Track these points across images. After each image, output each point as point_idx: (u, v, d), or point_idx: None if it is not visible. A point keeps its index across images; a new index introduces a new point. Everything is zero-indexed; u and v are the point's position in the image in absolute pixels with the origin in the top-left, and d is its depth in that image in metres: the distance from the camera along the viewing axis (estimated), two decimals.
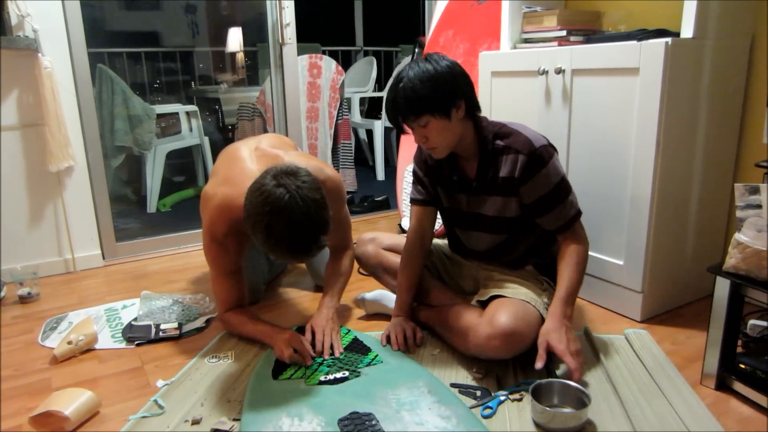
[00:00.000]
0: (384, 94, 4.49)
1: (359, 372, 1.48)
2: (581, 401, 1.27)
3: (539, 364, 1.35)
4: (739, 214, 1.32)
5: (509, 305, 1.45)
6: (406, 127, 1.48)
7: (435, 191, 1.66)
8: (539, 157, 1.44)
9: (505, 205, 1.53)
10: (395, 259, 1.79)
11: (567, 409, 1.29)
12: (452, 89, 1.41)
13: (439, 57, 1.44)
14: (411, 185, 1.72)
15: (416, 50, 3.62)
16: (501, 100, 2.15)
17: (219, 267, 1.67)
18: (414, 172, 1.69)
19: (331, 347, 1.58)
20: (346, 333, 1.70)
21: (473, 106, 1.49)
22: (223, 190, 1.59)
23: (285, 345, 1.54)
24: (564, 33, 1.95)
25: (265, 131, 3.44)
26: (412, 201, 1.71)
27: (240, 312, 1.72)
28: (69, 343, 1.65)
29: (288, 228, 1.30)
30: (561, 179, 1.47)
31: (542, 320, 1.47)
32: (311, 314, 1.71)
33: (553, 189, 1.46)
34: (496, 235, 1.59)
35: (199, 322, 1.85)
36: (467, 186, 1.57)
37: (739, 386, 1.37)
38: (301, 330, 1.68)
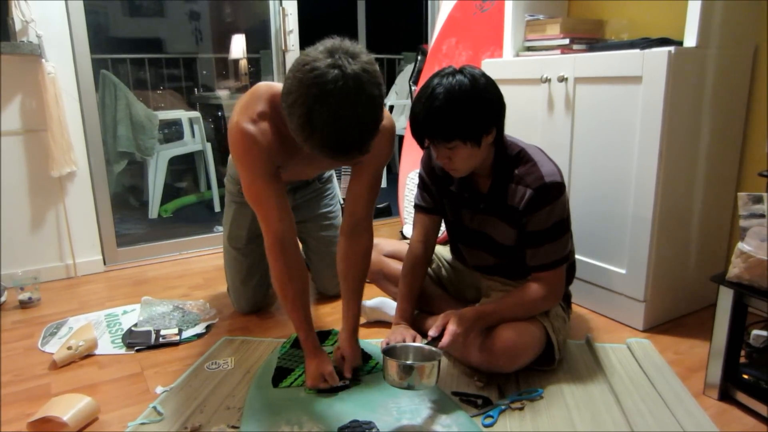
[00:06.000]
0: (387, 101, 4.49)
1: (360, 380, 1.48)
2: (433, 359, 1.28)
3: (433, 332, 1.35)
4: (742, 223, 1.31)
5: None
6: (426, 142, 1.39)
7: (441, 201, 1.62)
8: (547, 194, 1.39)
9: (505, 232, 1.50)
10: (396, 266, 1.77)
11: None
12: (488, 117, 1.35)
13: (479, 74, 1.34)
14: (416, 189, 1.66)
15: (419, 58, 3.63)
16: None
17: (253, 168, 1.34)
18: (421, 177, 1.64)
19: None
20: None
21: (502, 131, 1.44)
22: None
23: (317, 378, 1.42)
24: (567, 41, 1.95)
25: None
26: (417, 208, 1.66)
27: (295, 278, 1.42)
28: (69, 348, 1.65)
29: (331, 121, 1.11)
30: (561, 220, 1.43)
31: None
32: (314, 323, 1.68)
33: (550, 227, 1.42)
34: (498, 258, 1.57)
35: (200, 328, 1.85)
36: (475, 203, 1.53)
37: (742, 397, 1.36)
38: (320, 334, 1.65)
